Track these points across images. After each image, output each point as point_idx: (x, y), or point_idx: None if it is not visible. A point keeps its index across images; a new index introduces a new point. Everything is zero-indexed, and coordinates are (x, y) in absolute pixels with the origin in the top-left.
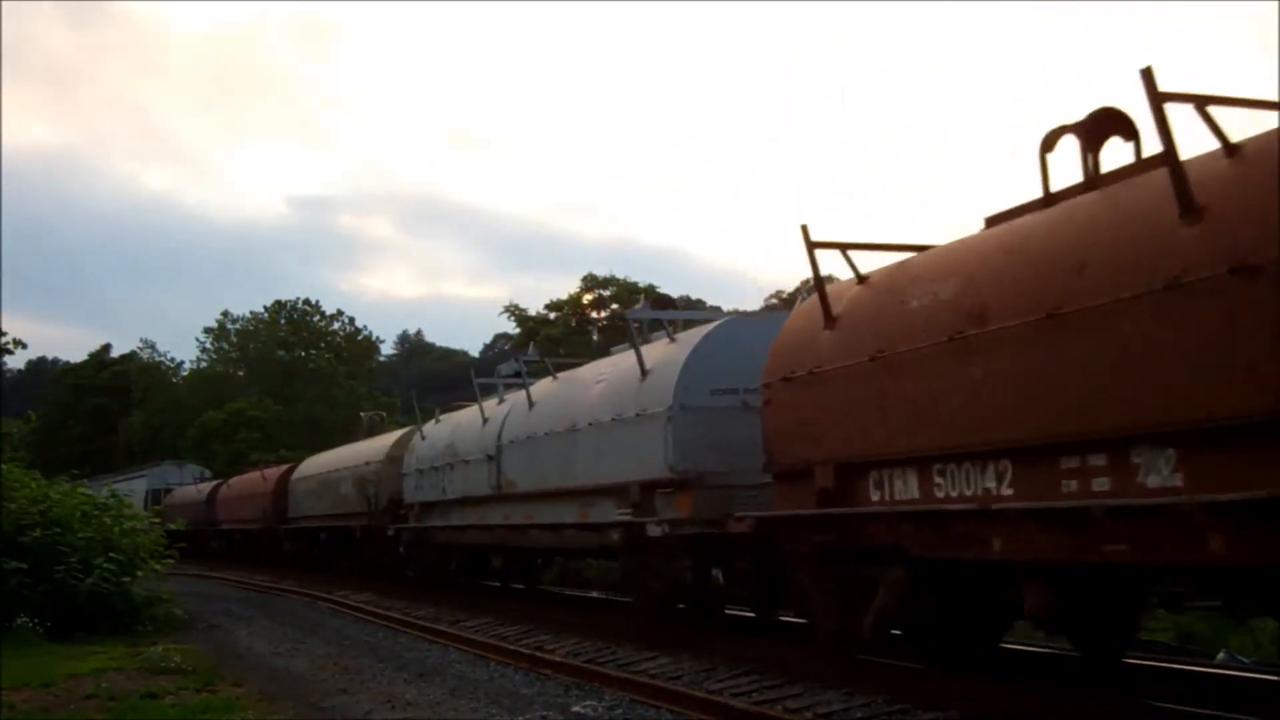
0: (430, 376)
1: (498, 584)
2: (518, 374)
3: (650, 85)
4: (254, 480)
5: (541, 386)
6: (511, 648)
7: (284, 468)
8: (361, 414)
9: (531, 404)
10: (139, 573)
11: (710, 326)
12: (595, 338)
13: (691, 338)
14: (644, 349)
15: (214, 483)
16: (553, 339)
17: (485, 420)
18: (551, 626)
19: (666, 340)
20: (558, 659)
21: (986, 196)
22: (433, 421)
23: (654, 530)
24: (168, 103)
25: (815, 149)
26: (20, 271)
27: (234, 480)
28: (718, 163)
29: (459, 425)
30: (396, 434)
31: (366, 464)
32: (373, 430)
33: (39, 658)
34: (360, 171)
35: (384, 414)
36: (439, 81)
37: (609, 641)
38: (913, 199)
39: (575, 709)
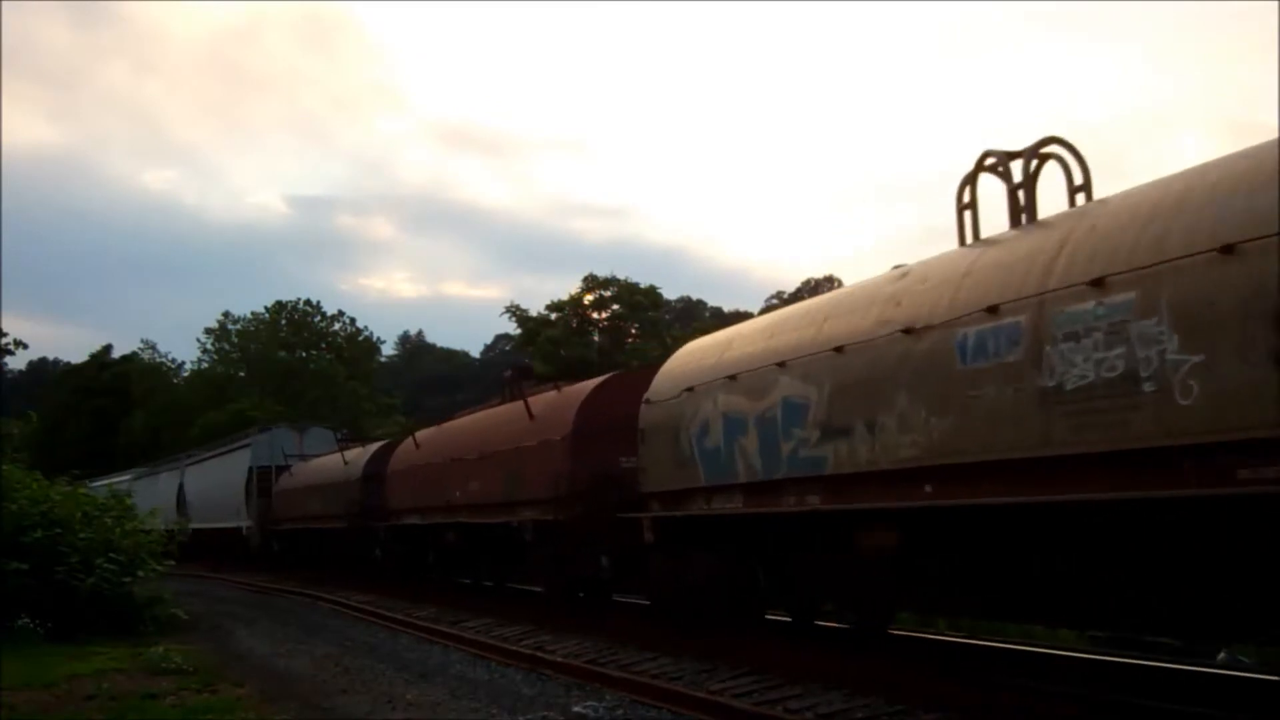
0: (432, 377)
1: None
2: None
3: (653, 85)
4: (505, 421)
5: None
6: (512, 648)
7: (593, 384)
8: None
9: None
10: (140, 573)
11: None
12: (596, 338)
13: None
14: None
15: (377, 445)
16: (554, 340)
17: None
18: (552, 628)
19: None
20: (558, 659)
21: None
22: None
23: None
24: (168, 103)
25: (820, 149)
26: (20, 271)
27: (427, 434)
28: (721, 163)
29: None
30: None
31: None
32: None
33: (40, 658)
34: (360, 171)
35: None
36: (440, 81)
37: (610, 642)
38: (913, 200)
39: (576, 709)
